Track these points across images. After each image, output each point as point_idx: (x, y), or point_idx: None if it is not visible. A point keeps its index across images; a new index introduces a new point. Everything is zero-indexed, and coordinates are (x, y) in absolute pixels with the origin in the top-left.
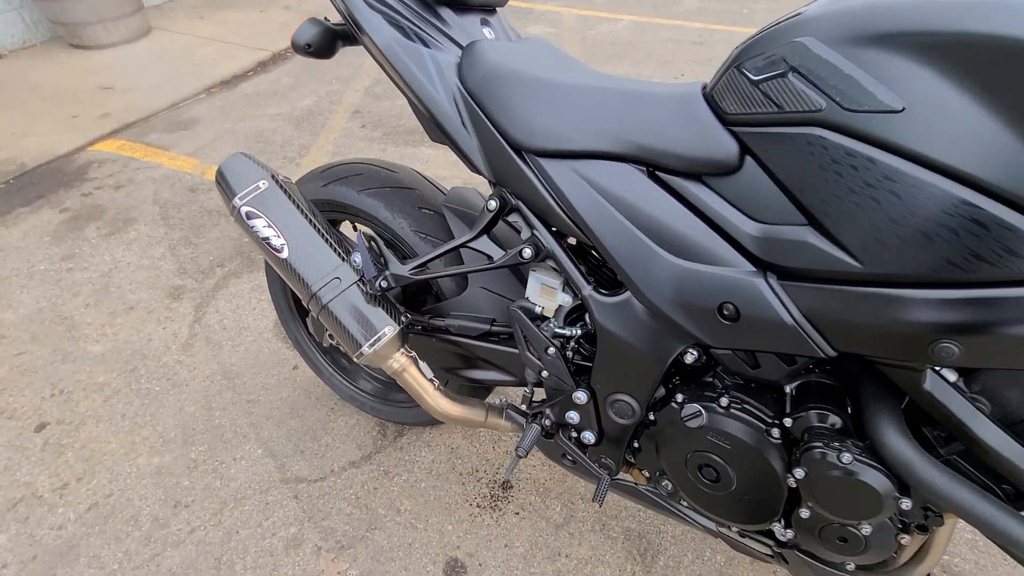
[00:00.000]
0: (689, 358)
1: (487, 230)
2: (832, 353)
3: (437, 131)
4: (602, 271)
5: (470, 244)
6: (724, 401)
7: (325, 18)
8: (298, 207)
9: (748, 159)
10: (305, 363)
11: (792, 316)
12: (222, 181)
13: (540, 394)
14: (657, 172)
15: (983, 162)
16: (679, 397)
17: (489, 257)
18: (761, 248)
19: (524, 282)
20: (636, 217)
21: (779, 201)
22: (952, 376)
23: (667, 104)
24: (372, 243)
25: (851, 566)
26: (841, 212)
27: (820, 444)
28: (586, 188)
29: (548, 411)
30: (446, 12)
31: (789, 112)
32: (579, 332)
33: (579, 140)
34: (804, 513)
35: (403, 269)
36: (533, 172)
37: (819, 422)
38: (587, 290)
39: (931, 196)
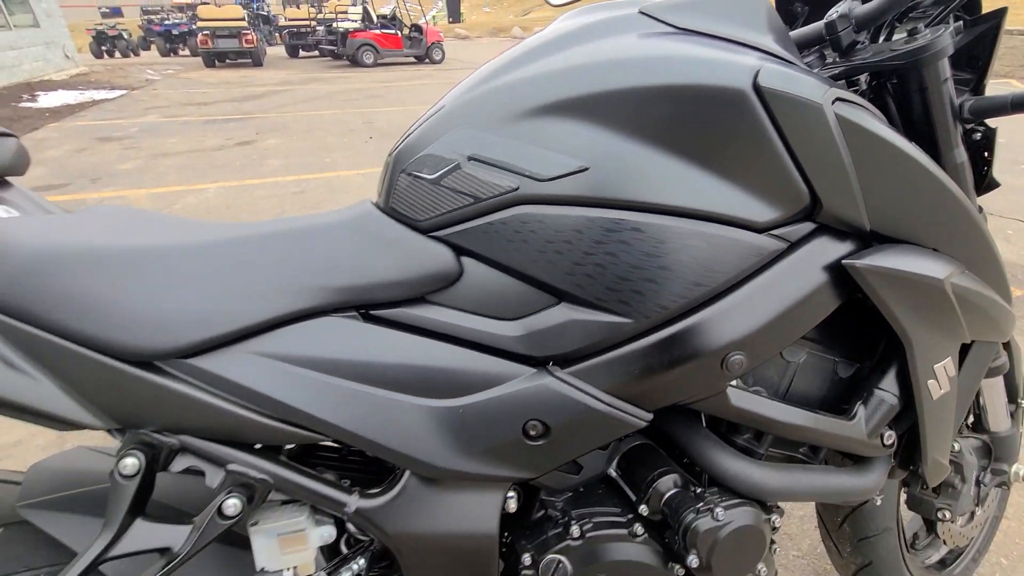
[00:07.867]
0: (512, 505)
1: (137, 513)
2: (649, 417)
3: None
4: (355, 464)
5: (111, 556)
6: (575, 530)
7: None
8: None
9: (467, 260)
10: None
11: (600, 399)
12: None
13: None
14: (371, 312)
15: (678, 191)
16: (526, 560)
17: (163, 551)
18: (529, 345)
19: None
20: (370, 375)
21: (520, 291)
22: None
23: (345, 233)
24: None
25: None
26: (586, 277)
27: (692, 514)
28: (284, 369)
29: None
30: None
31: (487, 199)
32: (364, 564)
33: (246, 311)
34: None
35: None
36: (186, 383)
37: (673, 487)
38: (352, 503)
39: (653, 233)
